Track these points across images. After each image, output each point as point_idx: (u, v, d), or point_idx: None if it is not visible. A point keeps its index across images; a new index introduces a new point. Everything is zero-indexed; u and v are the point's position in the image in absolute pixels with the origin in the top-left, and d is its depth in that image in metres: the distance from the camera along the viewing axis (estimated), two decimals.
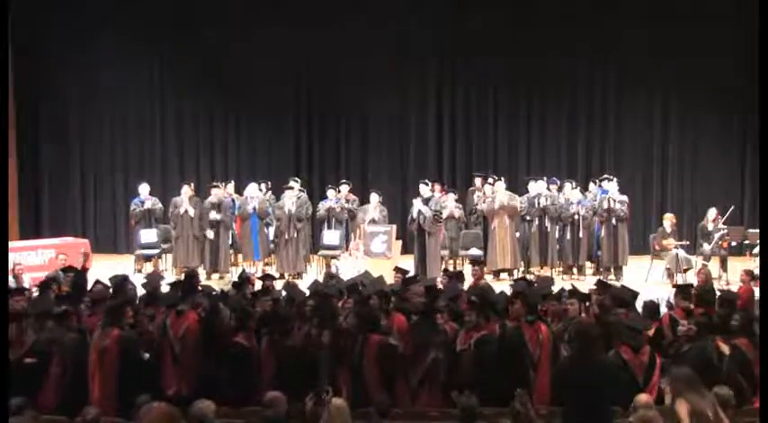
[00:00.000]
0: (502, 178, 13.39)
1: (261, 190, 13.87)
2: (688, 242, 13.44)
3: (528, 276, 11.51)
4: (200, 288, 8.61)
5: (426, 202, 12.74)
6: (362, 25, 15.32)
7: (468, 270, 10.94)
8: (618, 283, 10.74)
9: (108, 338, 6.88)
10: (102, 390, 6.77)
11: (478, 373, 6.75)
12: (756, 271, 10.14)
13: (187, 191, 13.30)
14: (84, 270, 10.00)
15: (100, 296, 8.17)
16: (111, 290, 8.64)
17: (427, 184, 13.40)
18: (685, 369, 5.77)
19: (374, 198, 13.44)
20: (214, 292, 8.63)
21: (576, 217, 12.95)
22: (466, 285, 9.48)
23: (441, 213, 12.71)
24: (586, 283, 10.46)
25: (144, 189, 13.70)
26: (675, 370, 5.78)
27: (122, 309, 7.25)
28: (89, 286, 9.02)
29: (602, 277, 12.24)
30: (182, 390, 7.01)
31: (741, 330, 6.96)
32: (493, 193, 13.16)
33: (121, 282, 8.85)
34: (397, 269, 9.79)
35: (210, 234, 12.98)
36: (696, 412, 5.24)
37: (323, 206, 13.50)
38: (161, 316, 7.54)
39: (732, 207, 13.51)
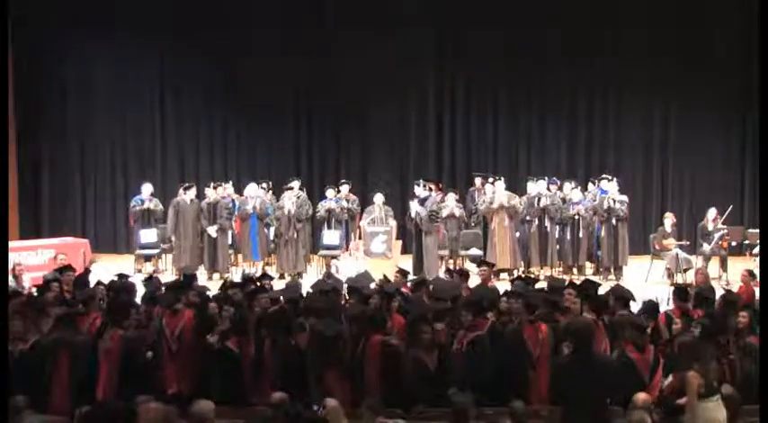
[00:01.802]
0: (502, 178, 13.38)
1: (263, 188, 13.86)
2: (688, 242, 13.45)
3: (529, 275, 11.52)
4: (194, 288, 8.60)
5: (423, 201, 12.69)
6: (363, 25, 15.30)
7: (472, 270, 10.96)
8: (614, 283, 10.73)
9: (111, 339, 6.90)
10: (105, 391, 6.78)
11: (474, 372, 6.74)
12: (757, 271, 10.15)
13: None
14: (87, 271, 10.00)
15: (101, 297, 8.17)
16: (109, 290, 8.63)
17: (419, 185, 13.40)
18: (692, 338, 5.85)
19: (379, 198, 13.44)
20: (209, 292, 8.61)
21: (577, 217, 12.97)
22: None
23: (437, 213, 12.68)
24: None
25: (146, 189, 13.73)
26: (683, 339, 5.86)
27: (125, 310, 7.28)
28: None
29: (601, 277, 12.29)
30: (182, 389, 7.01)
31: (750, 329, 6.97)
32: (493, 193, 13.16)
33: (123, 282, 8.85)
34: (400, 270, 9.77)
35: (213, 232, 12.99)
36: (707, 382, 5.54)
37: (322, 207, 13.50)
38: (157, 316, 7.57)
39: (731, 206, 13.50)
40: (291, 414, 5.51)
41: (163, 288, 8.56)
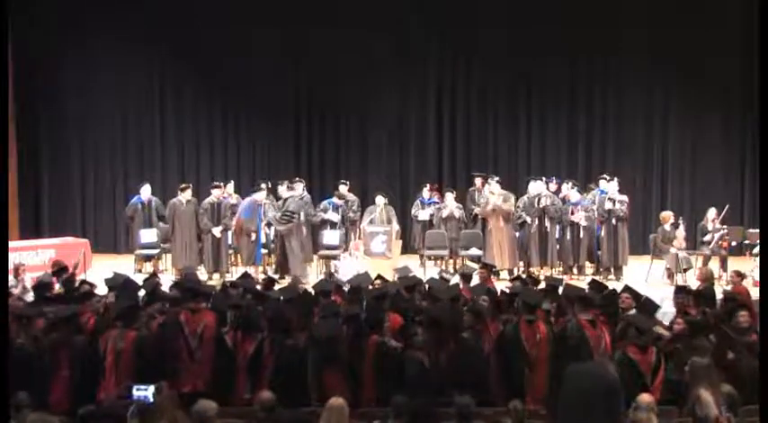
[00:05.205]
0: (495, 178, 13.34)
1: (268, 185, 13.81)
2: (688, 242, 13.44)
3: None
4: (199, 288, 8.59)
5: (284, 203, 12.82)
6: (362, 25, 15.30)
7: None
8: (618, 284, 10.73)
9: (124, 340, 6.90)
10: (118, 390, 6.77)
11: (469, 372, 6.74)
12: (746, 271, 10.17)
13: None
14: (59, 270, 9.94)
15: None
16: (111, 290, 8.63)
17: (282, 184, 13.45)
18: (704, 360, 5.83)
19: (380, 200, 13.43)
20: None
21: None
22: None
23: (292, 213, 12.53)
24: (586, 284, 10.44)
25: (145, 190, 13.70)
26: (696, 361, 5.84)
27: (137, 311, 7.31)
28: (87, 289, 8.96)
29: (601, 277, 12.28)
30: (198, 387, 6.99)
31: (751, 328, 6.98)
32: (489, 192, 13.14)
33: (126, 282, 8.85)
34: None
35: (218, 232, 12.96)
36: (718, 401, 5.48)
37: (325, 209, 13.56)
38: (162, 315, 7.56)
39: (727, 206, 13.48)
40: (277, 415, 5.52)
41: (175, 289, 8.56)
